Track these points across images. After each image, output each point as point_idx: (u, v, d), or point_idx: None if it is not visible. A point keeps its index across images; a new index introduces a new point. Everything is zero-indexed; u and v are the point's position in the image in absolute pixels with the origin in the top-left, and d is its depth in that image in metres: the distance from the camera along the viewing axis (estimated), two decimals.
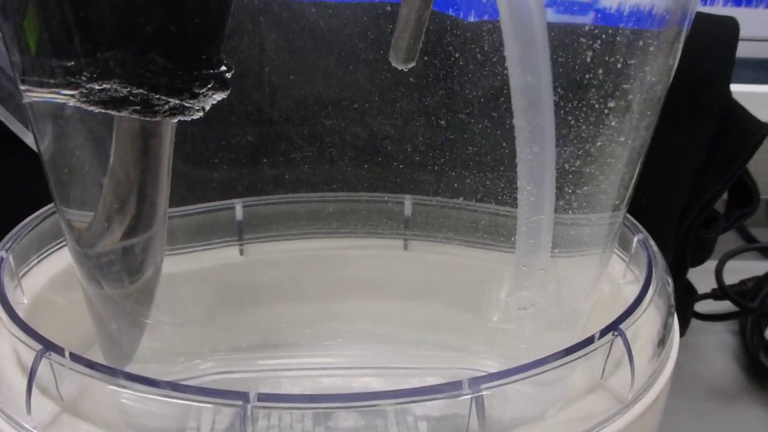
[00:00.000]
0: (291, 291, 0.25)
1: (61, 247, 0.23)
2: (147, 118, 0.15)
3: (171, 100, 0.15)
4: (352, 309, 0.25)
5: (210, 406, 0.15)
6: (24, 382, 0.16)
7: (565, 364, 0.16)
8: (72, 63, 0.14)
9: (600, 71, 0.18)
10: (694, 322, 0.34)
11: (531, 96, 0.15)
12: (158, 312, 0.21)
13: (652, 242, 0.22)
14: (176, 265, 0.23)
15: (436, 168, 0.22)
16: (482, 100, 0.20)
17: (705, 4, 0.42)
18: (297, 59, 0.21)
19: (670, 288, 0.20)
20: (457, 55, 0.20)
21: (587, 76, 0.18)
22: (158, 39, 0.14)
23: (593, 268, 0.21)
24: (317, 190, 0.24)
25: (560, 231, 0.19)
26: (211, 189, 0.23)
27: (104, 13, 0.14)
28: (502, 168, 0.20)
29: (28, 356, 0.16)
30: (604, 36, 0.17)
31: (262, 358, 0.24)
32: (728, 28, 0.28)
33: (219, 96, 0.15)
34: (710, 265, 0.33)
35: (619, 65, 0.17)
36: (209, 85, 0.15)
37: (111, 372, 0.15)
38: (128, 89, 0.15)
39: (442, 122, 0.21)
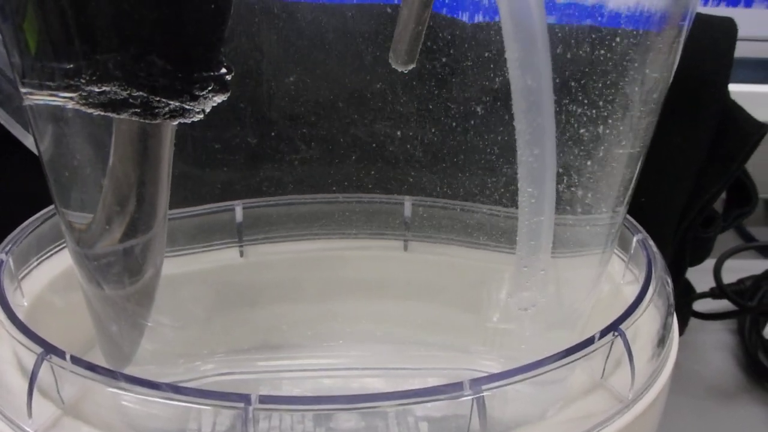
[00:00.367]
0: (291, 292, 0.25)
1: (60, 249, 0.23)
2: (147, 121, 0.15)
3: (171, 102, 0.15)
4: (352, 310, 0.25)
5: (211, 408, 0.15)
6: (25, 385, 0.16)
7: (565, 364, 0.16)
8: (71, 65, 0.14)
9: (600, 72, 0.18)
10: (693, 321, 0.35)
11: (531, 98, 0.15)
12: (158, 313, 0.21)
13: (651, 242, 0.22)
14: (176, 267, 0.22)
15: (435, 169, 0.22)
16: (483, 101, 0.20)
17: (704, 4, 0.42)
18: (296, 60, 0.21)
19: (670, 288, 0.20)
20: (457, 56, 0.20)
21: (587, 77, 0.18)
22: (158, 41, 0.14)
23: (593, 268, 0.21)
24: (317, 192, 0.24)
25: (560, 232, 0.19)
26: (211, 190, 0.23)
27: (104, 15, 0.14)
28: (502, 169, 0.20)
29: (29, 359, 0.16)
30: (604, 36, 0.17)
31: (262, 359, 0.24)
32: (726, 29, 0.28)
33: (219, 98, 0.15)
34: (709, 264, 0.33)
35: (619, 66, 0.17)
36: (209, 88, 0.15)
37: (112, 374, 0.15)
38: (128, 92, 0.15)
39: (442, 123, 0.21)
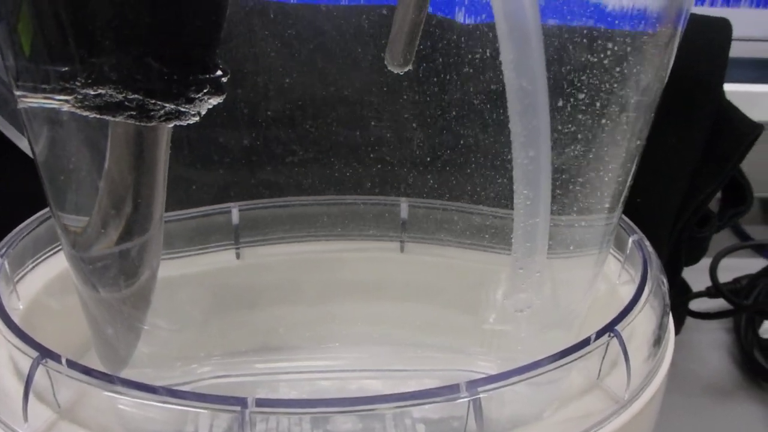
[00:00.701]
0: (288, 294, 0.25)
1: (56, 252, 0.23)
2: (142, 123, 0.15)
3: (166, 105, 0.15)
4: (349, 312, 0.25)
5: (207, 411, 0.15)
6: (20, 388, 0.16)
7: (561, 365, 0.16)
8: (67, 68, 0.14)
9: (595, 73, 0.18)
10: (689, 320, 0.35)
11: (526, 100, 0.15)
12: (155, 316, 0.21)
13: (647, 243, 0.22)
14: (173, 269, 0.22)
15: (432, 170, 0.22)
16: (480, 101, 0.20)
17: (703, 4, 0.42)
18: (292, 62, 0.21)
19: (665, 288, 0.20)
20: (452, 57, 0.20)
21: (582, 78, 0.18)
22: (153, 44, 0.14)
23: (589, 268, 0.21)
24: (313, 194, 0.24)
25: (556, 232, 0.19)
26: (207, 193, 0.23)
27: (99, 18, 0.14)
28: (498, 170, 0.20)
29: (25, 363, 0.16)
30: (599, 37, 0.17)
31: (259, 361, 0.24)
32: (721, 30, 0.28)
33: (215, 101, 0.15)
34: (705, 263, 0.33)
35: (614, 66, 0.17)
36: (205, 90, 0.15)
37: (108, 378, 0.15)
38: (123, 94, 0.15)
39: (439, 124, 0.21)
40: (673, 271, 0.32)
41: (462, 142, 0.21)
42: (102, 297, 0.19)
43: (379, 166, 0.23)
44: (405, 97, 0.21)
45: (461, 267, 0.24)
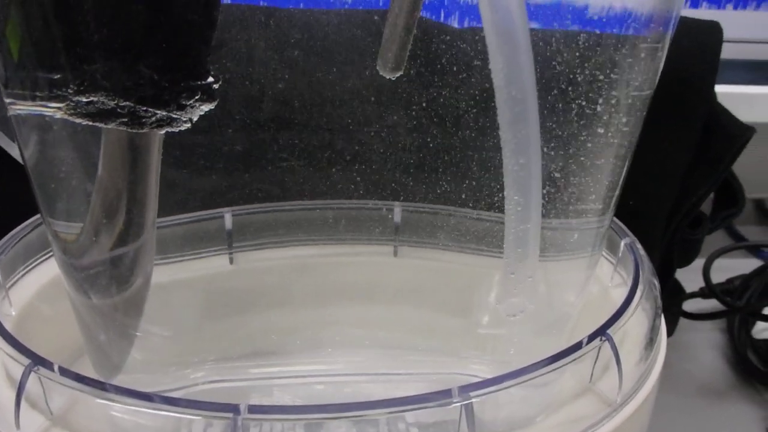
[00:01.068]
0: (281, 299, 0.25)
1: (48, 258, 0.23)
2: (134, 130, 0.15)
3: (158, 111, 0.15)
4: (342, 316, 0.25)
5: (201, 418, 0.15)
6: (12, 396, 0.16)
7: (553, 369, 0.16)
8: (58, 75, 0.14)
9: (585, 77, 0.18)
10: (683, 321, 0.35)
11: (516, 108, 0.15)
12: (148, 322, 0.21)
13: (639, 246, 0.22)
14: (166, 275, 0.22)
15: (425, 174, 0.22)
16: (471, 106, 0.20)
17: (697, 7, 0.42)
18: (285, 67, 0.21)
19: (657, 290, 0.21)
20: (445, 61, 0.20)
21: (573, 82, 0.18)
22: (145, 51, 0.14)
23: (581, 271, 0.21)
24: (306, 198, 0.24)
25: (548, 236, 0.19)
26: (200, 198, 0.23)
27: (90, 25, 0.14)
28: (491, 174, 0.21)
29: (17, 370, 0.16)
30: (589, 41, 0.17)
31: (253, 366, 0.24)
32: (712, 33, 0.28)
33: (206, 107, 0.15)
34: (698, 263, 0.33)
35: (604, 70, 0.18)
36: (196, 97, 0.15)
37: (100, 385, 0.15)
38: (115, 101, 0.15)
39: (431, 129, 0.21)
40: (665, 273, 0.32)
41: (455, 146, 0.21)
42: (94, 303, 0.19)
43: (372, 169, 0.23)
44: (398, 101, 0.21)
45: (455, 271, 0.24)
